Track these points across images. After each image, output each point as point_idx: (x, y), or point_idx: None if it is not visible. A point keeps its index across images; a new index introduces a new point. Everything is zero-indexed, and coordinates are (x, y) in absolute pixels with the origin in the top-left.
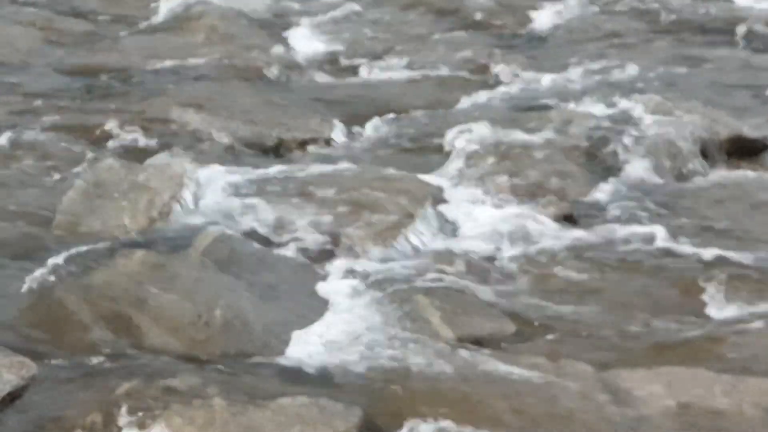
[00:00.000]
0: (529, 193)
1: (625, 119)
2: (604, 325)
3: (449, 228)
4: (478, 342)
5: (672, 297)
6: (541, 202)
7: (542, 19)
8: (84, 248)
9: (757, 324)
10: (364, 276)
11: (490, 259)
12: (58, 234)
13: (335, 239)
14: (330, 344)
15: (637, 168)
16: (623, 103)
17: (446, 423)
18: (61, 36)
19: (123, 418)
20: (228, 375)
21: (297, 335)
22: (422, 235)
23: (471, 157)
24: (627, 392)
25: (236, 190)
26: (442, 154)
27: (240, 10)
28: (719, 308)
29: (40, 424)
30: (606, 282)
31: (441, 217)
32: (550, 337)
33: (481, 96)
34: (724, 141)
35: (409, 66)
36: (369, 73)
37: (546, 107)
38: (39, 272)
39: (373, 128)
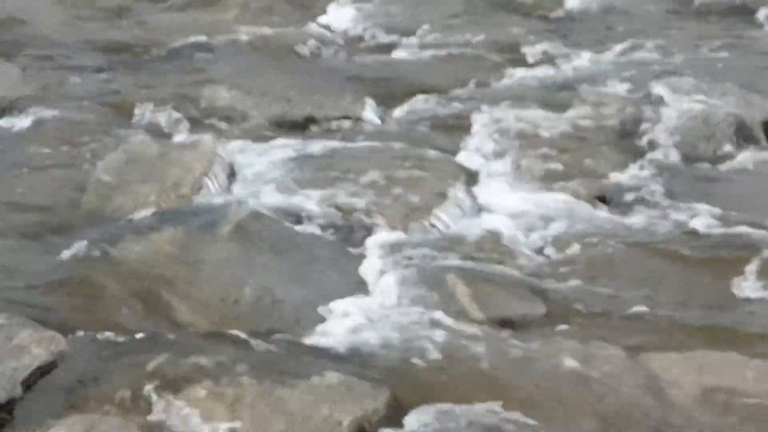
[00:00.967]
0: (561, 174)
1: (658, 101)
2: (635, 307)
3: (481, 208)
4: (509, 323)
5: (705, 280)
6: (572, 183)
7: (575, 1)
8: (114, 225)
9: None
10: (395, 255)
11: (521, 239)
12: (88, 210)
13: (366, 218)
14: (360, 323)
15: (670, 150)
16: (656, 85)
17: (475, 404)
18: (93, 12)
19: (152, 395)
20: (257, 353)
21: (327, 314)
22: (453, 215)
23: (503, 138)
24: (658, 376)
25: (267, 168)
26: (473, 134)
27: None
28: (752, 292)
29: (69, 398)
30: (638, 264)
31: (473, 197)
32: (581, 319)
33: (514, 76)
34: (759, 123)
35: (442, 45)
36: (402, 52)
37: (577, 88)
38: (69, 248)
39: (405, 107)
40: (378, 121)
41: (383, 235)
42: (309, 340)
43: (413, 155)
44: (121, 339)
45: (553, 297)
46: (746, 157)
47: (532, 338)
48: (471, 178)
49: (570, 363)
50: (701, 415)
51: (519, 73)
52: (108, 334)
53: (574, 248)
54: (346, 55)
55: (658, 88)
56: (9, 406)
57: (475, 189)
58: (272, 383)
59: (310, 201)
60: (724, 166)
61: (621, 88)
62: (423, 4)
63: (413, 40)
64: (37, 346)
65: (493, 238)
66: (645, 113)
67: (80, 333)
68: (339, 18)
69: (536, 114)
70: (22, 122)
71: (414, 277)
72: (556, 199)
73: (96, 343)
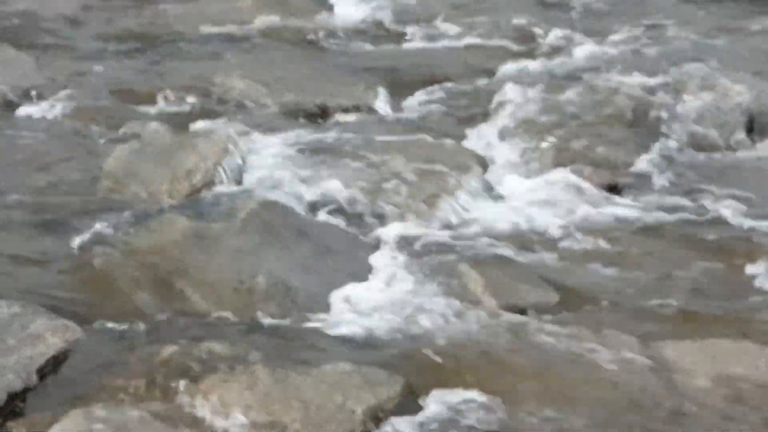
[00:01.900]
0: (574, 162)
1: (672, 89)
2: (648, 296)
3: (494, 196)
4: (522, 311)
5: (717, 269)
6: (586, 171)
7: None
8: (128, 213)
9: None
10: (409, 243)
11: (535, 227)
12: (102, 197)
13: (379, 207)
14: (373, 312)
15: (683, 138)
16: (669, 73)
17: (488, 392)
18: (107, 1)
19: (165, 383)
20: (271, 341)
21: (340, 302)
22: (467, 203)
23: (516, 126)
24: (671, 364)
25: (280, 157)
26: (487, 123)
27: None
28: (765, 281)
29: (83, 387)
30: (651, 252)
31: (486, 185)
32: (594, 307)
33: (527, 64)
34: None
35: (455, 34)
36: (414, 41)
37: (591, 76)
38: (83, 236)
39: (417, 96)
40: (390, 110)
41: (396, 224)
42: (322, 329)
43: (426, 144)
44: (135, 327)
45: (565, 285)
46: (759, 146)
47: (544, 326)
48: (484, 166)
49: (583, 350)
50: (714, 403)
51: (531, 61)
52: (122, 322)
53: (587, 236)
54: (358, 45)
55: (671, 76)
56: (24, 394)
57: (488, 177)
58: (286, 371)
59: (322, 189)
60: (737, 155)
61: (634, 75)
62: None
63: (425, 29)
64: (52, 334)
65: (505, 226)
66: (658, 101)
67: (94, 321)
68: (352, 7)
69: (549, 102)
70: (36, 111)
71: (427, 266)
72: (569, 188)
73: (110, 331)
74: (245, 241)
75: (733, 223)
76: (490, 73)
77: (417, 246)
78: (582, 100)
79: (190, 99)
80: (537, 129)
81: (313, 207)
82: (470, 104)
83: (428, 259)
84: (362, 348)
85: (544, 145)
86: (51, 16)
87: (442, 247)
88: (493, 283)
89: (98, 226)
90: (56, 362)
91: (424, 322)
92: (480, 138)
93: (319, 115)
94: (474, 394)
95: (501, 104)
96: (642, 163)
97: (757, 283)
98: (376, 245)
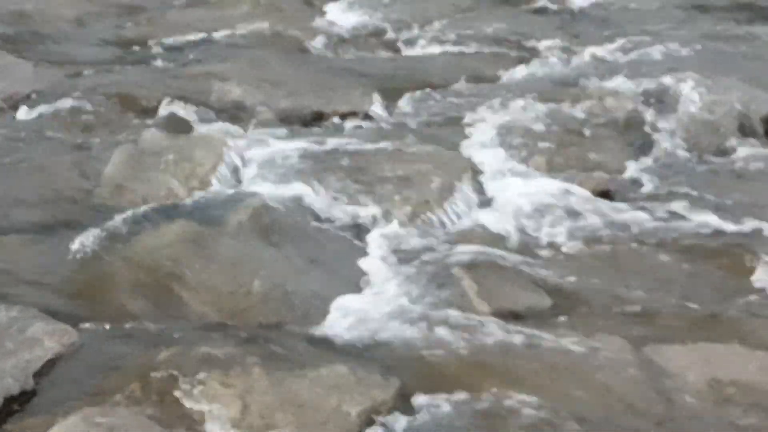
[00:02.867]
0: (566, 168)
1: (663, 95)
2: (640, 300)
3: (487, 202)
4: (515, 316)
5: (708, 273)
6: (578, 177)
7: None
8: (125, 217)
9: None
10: (403, 248)
11: (527, 233)
12: (100, 202)
13: (374, 212)
14: (368, 315)
15: (675, 144)
16: (661, 80)
17: (482, 396)
18: (105, 8)
19: (162, 386)
20: (267, 344)
21: (336, 306)
22: (460, 208)
23: (509, 132)
24: (662, 367)
25: (276, 162)
26: (480, 129)
27: None
28: (756, 284)
29: (80, 390)
30: (643, 257)
31: (479, 191)
32: (586, 311)
33: (520, 71)
34: (763, 118)
35: (449, 41)
36: (409, 47)
37: (583, 83)
38: (81, 240)
39: (412, 102)
40: (385, 116)
41: (391, 229)
42: (318, 332)
43: (420, 149)
44: (132, 331)
45: (558, 290)
46: (750, 152)
47: (537, 330)
48: (477, 172)
49: (575, 354)
50: (705, 406)
51: (525, 67)
52: (119, 326)
53: (579, 242)
54: (354, 51)
55: (663, 83)
56: (22, 397)
57: (482, 183)
58: (282, 374)
59: (318, 195)
60: (728, 160)
61: (626, 82)
62: (431, 0)
63: (420, 35)
64: (49, 338)
65: (499, 231)
66: (650, 107)
67: (92, 325)
68: (347, 13)
69: (542, 108)
70: (34, 116)
71: (421, 270)
72: (562, 193)
73: (107, 335)
74: (242, 246)
75: (724, 227)
76: (485, 79)
77: (411, 251)
78: (575, 106)
79: (188, 105)
80: (530, 135)
81: (310, 212)
82: (464, 110)
83: (422, 263)
84: (358, 351)
85: (537, 151)
86: (50, 24)
87: (436, 253)
88: (487, 288)
89: (96, 230)
90: (54, 366)
91: (418, 326)
92: (474, 144)
93: (314, 121)
94: (467, 398)
95: (494, 110)
96: (634, 169)
97: (748, 287)
98: (371, 250)
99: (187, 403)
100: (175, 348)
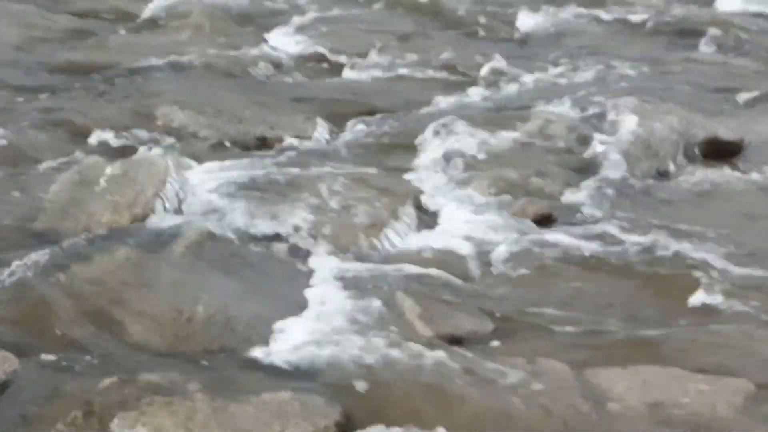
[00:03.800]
0: (508, 193)
1: (604, 120)
2: (581, 324)
3: (429, 227)
4: (457, 340)
5: (648, 296)
6: (519, 202)
7: (523, 22)
8: (67, 244)
9: (732, 324)
10: (345, 273)
11: (469, 258)
12: (41, 230)
13: (317, 237)
14: (311, 341)
15: (615, 168)
16: (601, 105)
17: (423, 420)
18: (49, 33)
19: (104, 414)
20: (210, 371)
21: (279, 331)
22: (402, 233)
23: (451, 157)
24: (603, 391)
25: (220, 188)
26: (422, 154)
27: (226, 9)
28: (695, 307)
29: (22, 418)
30: (583, 281)
31: (421, 216)
32: (527, 335)
33: (462, 96)
34: (701, 142)
35: (392, 66)
36: (353, 72)
37: (525, 108)
38: (21, 267)
39: (355, 127)
40: (328, 141)
41: (333, 254)
42: (261, 358)
43: (363, 174)
44: (73, 358)
45: (500, 314)
46: (688, 176)
47: (479, 355)
48: (419, 197)
49: (516, 379)
50: (645, 429)
51: (469, 93)
52: (61, 353)
53: (522, 266)
54: (297, 76)
55: (605, 107)
56: None
57: (425, 207)
58: (225, 400)
59: (261, 220)
60: (667, 184)
61: (568, 106)
62: (374, 26)
63: (364, 60)
64: None
65: (441, 256)
66: (592, 132)
67: (33, 353)
68: (291, 39)
69: (485, 133)
70: None
71: (363, 295)
72: (504, 218)
73: (49, 363)
74: (185, 272)
75: (664, 251)
76: (427, 104)
77: (353, 276)
78: (516, 131)
79: (131, 130)
80: (473, 160)
81: (252, 237)
82: (407, 135)
83: (364, 288)
84: (301, 377)
85: (478, 176)
86: None
87: (379, 277)
88: (429, 313)
89: (37, 256)
90: None
91: (361, 351)
92: (417, 168)
93: (258, 146)
94: (409, 422)
95: (437, 134)
96: (575, 194)
97: (688, 309)
98: (312, 275)
99: (130, 431)
100: (117, 375)
